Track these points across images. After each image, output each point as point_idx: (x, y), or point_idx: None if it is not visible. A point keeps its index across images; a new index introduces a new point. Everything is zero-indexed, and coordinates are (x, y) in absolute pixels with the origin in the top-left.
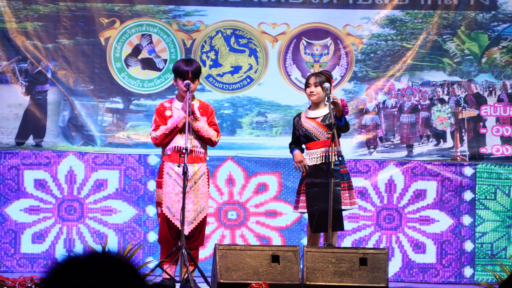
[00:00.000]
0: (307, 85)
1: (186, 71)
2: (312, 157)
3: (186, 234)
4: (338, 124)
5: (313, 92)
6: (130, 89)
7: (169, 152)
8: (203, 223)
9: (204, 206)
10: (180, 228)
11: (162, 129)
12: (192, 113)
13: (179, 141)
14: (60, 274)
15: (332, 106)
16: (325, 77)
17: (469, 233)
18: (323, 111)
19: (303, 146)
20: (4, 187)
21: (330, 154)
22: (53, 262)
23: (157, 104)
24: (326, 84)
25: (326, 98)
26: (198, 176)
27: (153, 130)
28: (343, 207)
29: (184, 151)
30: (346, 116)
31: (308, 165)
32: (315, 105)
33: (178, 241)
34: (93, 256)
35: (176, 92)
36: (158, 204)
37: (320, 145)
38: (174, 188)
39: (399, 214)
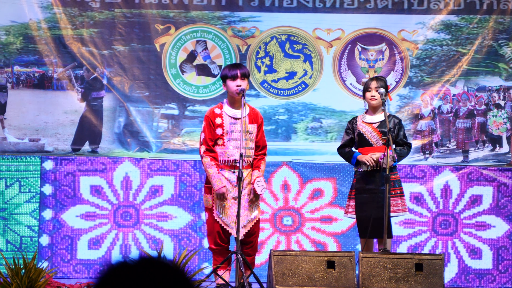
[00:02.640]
0: (367, 89)
1: (235, 70)
2: (363, 162)
3: (237, 239)
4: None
5: (374, 96)
6: (185, 95)
7: (221, 163)
8: (257, 229)
9: (256, 211)
10: (232, 234)
11: (205, 165)
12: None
13: (234, 153)
14: (110, 279)
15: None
16: (384, 83)
17: None
18: (380, 116)
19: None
20: (60, 193)
21: (384, 160)
22: (104, 267)
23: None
24: (381, 90)
25: (382, 103)
26: (247, 181)
27: (203, 142)
28: (393, 214)
29: (239, 159)
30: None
31: (358, 170)
32: (372, 110)
33: (229, 246)
34: (144, 261)
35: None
36: (207, 210)
37: (373, 150)
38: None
39: (455, 219)
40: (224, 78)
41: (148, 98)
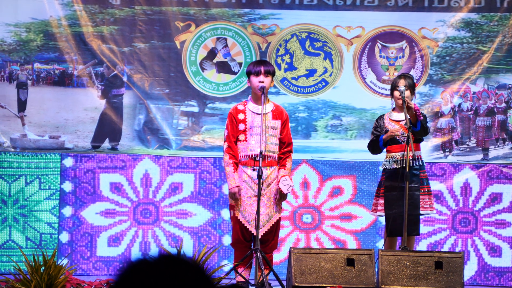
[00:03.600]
0: (395, 87)
1: (259, 66)
2: (392, 160)
3: (260, 238)
4: (414, 129)
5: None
6: (205, 92)
7: (243, 159)
8: (277, 227)
9: (276, 209)
10: (252, 232)
11: (224, 163)
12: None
13: (255, 148)
14: (130, 276)
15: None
16: (412, 81)
17: None
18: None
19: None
20: (80, 191)
21: (406, 157)
22: (123, 264)
23: (232, 107)
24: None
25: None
26: (271, 179)
27: (226, 139)
28: (422, 212)
29: (259, 155)
30: (424, 120)
31: (387, 168)
32: (400, 108)
33: (252, 244)
34: (163, 259)
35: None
36: (231, 207)
37: (400, 148)
38: (247, 192)
39: (475, 217)
40: (248, 74)
41: (168, 96)
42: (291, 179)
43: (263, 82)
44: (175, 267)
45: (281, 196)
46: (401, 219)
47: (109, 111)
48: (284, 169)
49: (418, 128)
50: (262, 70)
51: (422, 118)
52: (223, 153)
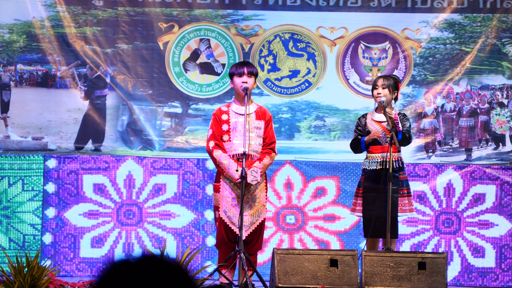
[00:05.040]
0: (374, 87)
1: (242, 67)
2: (372, 161)
3: (244, 239)
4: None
5: (380, 93)
6: (189, 93)
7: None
8: (261, 228)
9: (261, 211)
10: (237, 233)
11: (219, 158)
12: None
13: (240, 148)
14: (112, 277)
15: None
16: (394, 81)
17: None
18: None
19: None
20: (63, 192)
21: (390, 158)
22: (106, 265)
23: (215, 108)
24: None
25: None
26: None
27: (211, 138)
28: (400, 214)
29: (243, 155)
30: (408, 128)
31: (367, 169)
32: (381, 109)
33: (236, 245)
34: (146, 260)
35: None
36: (216, 208)
37: (382, 149)
38: (231, 193)
39: (458, 218)
40: (231, 75)
41: (151, 97)
42: (261, 175)
43: (246, 82)
44: (157, 268)
45: (246, 184)
46: (379, 221)
47: (92, 112)
48: (259, 163)
49: (399, 138)
50: (246, 71)
51: (401, 129)
52: (210, 151)
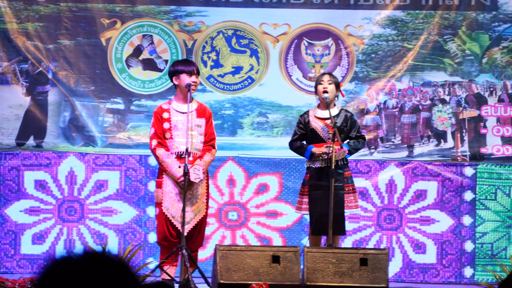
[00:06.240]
0: (319, 82)
1: (191, 66)
2: (316, 159)
3: (185, 235)
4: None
5: (326, 88)
6: (131, 89)
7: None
8: (202, 224)
9: (202, 207)
10: (178, 228)
11: (161, 157)
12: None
13: (182, 146)
14: (53, 274)
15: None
16: (337, 79)
17: (469, 233)
18: (333, 111)
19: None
20: (4, 188)
21: (331, 156)
22: (47, 262)
23: (158, 104)
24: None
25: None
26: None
27: (153, 136)
28: (347, 211)
29: (185, 152)
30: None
31: (311, 167)
32: (324, 105)
33: (178, 242)
34: (87, 256)
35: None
36: (157, 205)
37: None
38: (173, 188)
39: (400, 214)
40: (178, 72)
41: (93, 93)
42: (203, 172)
43: (196, 82)
44: (99, 265)
45: (188, 182)
46: (326, 218)
47: (34, 108)
48: (201, 160)
49: (350, 155)
50: (195, 70)
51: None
52: (153, 150)
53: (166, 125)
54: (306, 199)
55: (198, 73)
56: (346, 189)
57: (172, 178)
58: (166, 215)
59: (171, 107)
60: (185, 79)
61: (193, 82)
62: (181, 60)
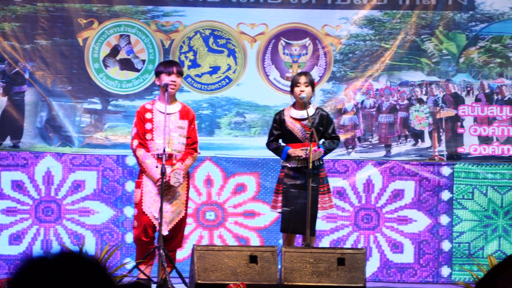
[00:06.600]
0: (296, 84)
1: (171, 66)
2: (293, 159)
3: (164, 235)
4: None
5: (303, 91)
6: (108, 89)
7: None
8: (181, 225)
9: (182, 208)
10: (157, 228)
11: (142, 157)
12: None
13: (161, 147)
14: (28, 274)
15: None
16: (312, 77)
17: (446, 232)
18: (309, 111)
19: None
20: None
21: (309, 156)
22: (22, 262)
23: (137, 104)
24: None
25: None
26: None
27: (135, 136)
28: (322, 211)
29: (163, 153)
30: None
31: (287, 166)
32: (300, 106)
33: (154, 241)
34: (63, 256)
35: (158, 92)
36: (136, 205)
37: (302, 146)
38: (153, 188)
39: (377, 214)
40: (158, 73)
41: (70, 93)
42: (183, 176)
43: (175, 81)
44: (74, 265)
45: (168, 186)
46: (297, 217)
47: (11, 108)
48: (181, 163)
49: (324, 156)
50: (175, 70)
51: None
52: (134, 150)
53: (148, 126)
54: (281, 198)
55: (179, 73)
56: (321, 190)
57: (151, 179)
58: (147, 215)
59: (154, 108)
60: (164, 79)
61: (172, 81)
62: (164, 61)
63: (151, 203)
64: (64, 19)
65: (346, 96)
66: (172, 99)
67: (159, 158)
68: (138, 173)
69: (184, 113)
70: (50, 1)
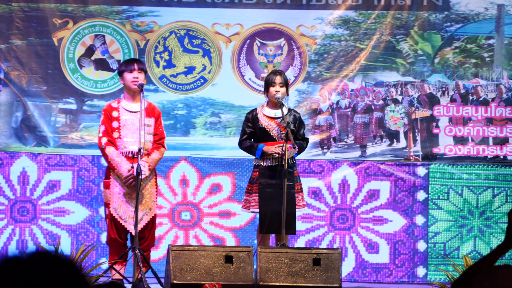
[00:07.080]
0: (271, 84)
1: (132, 64)
2: (267, 157)
3: (134, 235)
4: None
5: (278, 91)
6: (83, 89)
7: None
8: (152, 224)
9: (151, 206)
10: (127, 229)
11: (111, 155)
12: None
13: (131, 145)
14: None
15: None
16: (286, 76)
17: (422, 233)
18: (283, 111)
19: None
20: None
21: (284, 154)
22: None
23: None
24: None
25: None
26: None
27: (103, 134)
28: (298, 210)
29: (138, 152)
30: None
31: (261, 165)
32: (274, 105)
33: (126, 242)
34: (37, 256)
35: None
36: (106, 205)
37: (276, 145)
38: (121, 189)
39: (353, 214)
40: (121, 72)
41: (45, 93)
42: (149, 169)
43: (137, 77)
44: (49, 265)
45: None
46: (278, 217)
47: None
48: (148, 158)
49: (297, 155)
50: (136, 67)
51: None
52: (102, 148)
53: (115, 124)
54: (255, 197)
55: (141, 70)
56: (296, 188)
57: (120, 176)
58: (114, 216)
59: (120, 106)
60: (127, 77)
61: (134, 78)
62: (124, 60)
63: (118, 204)
64: (39, 19)
65: (321, 97)
66: (137, 97)
67: (127, 156)
68: (105, 173)
69: (150, 111)
70: (25, 1)
